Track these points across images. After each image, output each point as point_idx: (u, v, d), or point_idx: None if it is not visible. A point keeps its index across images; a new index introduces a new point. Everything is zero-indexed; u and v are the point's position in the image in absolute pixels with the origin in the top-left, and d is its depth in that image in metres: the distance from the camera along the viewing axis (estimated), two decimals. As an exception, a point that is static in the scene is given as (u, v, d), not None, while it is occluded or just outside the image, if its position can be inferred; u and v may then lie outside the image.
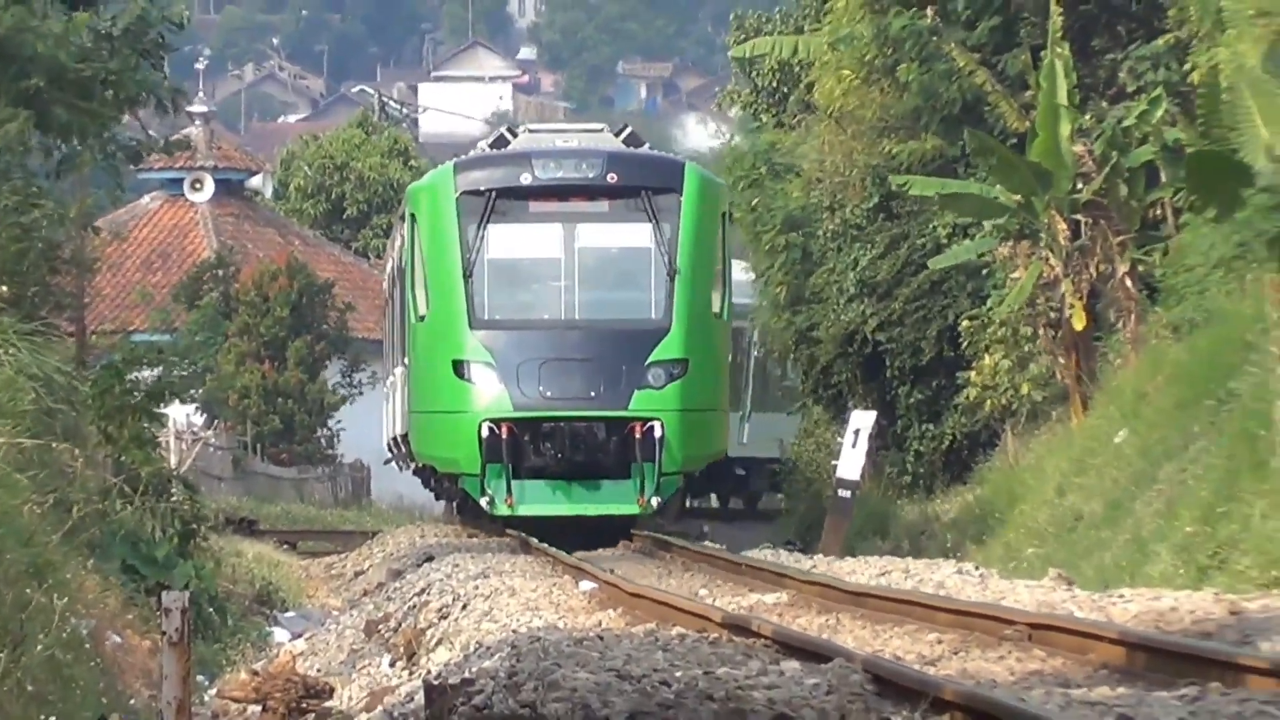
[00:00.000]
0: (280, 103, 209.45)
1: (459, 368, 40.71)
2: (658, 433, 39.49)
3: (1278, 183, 28.53)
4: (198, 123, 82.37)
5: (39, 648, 18.84)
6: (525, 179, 41.27)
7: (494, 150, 43.83)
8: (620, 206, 41.74)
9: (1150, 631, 16.12)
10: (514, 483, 39.40)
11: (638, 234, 41.65)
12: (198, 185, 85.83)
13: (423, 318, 42.35)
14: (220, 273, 76.09)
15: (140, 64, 34.46)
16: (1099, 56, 40.23)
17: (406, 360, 45.65)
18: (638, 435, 39.67)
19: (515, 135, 44.29)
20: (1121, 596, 20.13)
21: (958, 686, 12.90)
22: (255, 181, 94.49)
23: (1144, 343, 36.09)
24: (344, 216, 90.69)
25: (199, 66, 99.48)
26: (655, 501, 39.27)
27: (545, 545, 35.46)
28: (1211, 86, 32.41)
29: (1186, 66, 36.39)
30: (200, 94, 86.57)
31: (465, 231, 41.03)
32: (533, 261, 42.20)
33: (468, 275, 40.83)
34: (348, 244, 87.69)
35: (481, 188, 41.33)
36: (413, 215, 43.53)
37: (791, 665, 15.54)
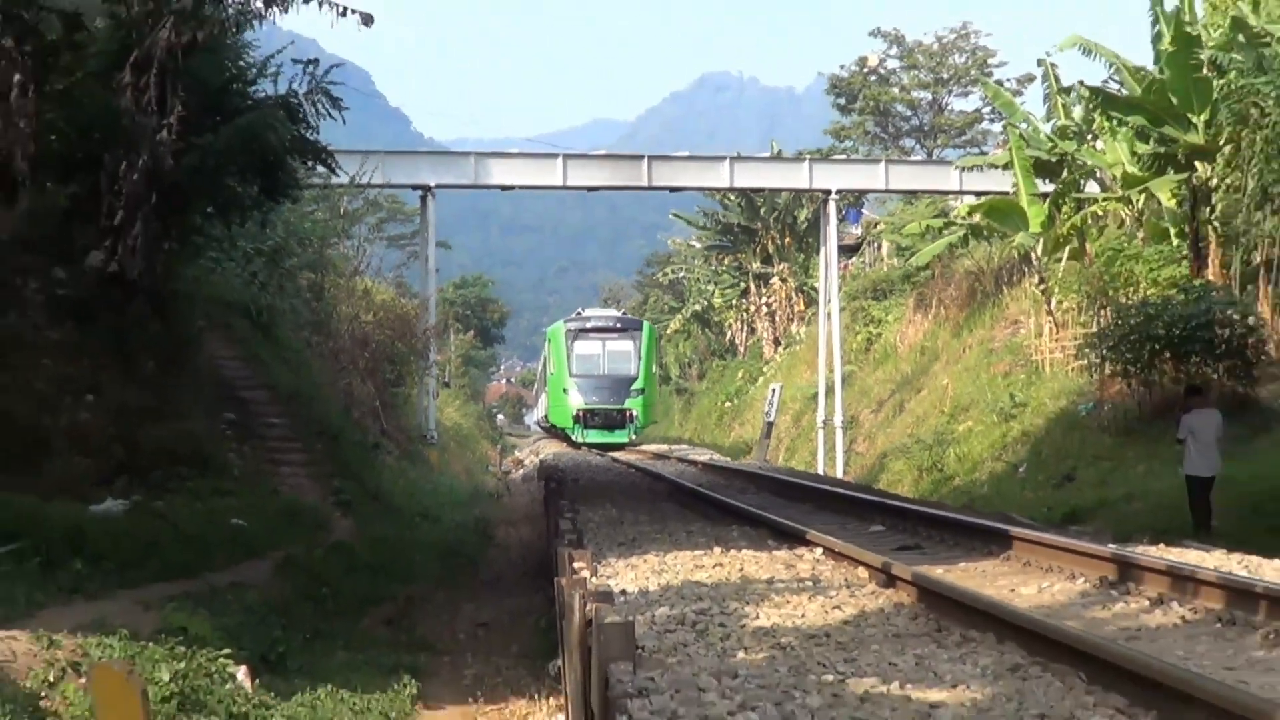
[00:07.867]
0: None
1: (566, 391, 43.40)
2: (634, 413, 42.77)
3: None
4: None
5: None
6: (589, 325, 44.36)
7: (576, 316, 45.85)
8: (624, 335, 44.27)
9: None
10: (584, 431, 42.35)
11: (627, 344, 44.02)
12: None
13: (552, 373, 45.29)
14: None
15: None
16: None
17: (547, 389, 48.72)
18: (628, 414, 42.64)
19: (584, 310, 47.75)
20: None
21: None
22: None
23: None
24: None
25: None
26: (633, 437, 42.51)
27: (592, 449, 40.47)
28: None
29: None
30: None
31: (568, 343, 43.94)
32: (591, 354, 43.86)
33: (568, 358, 43.71)
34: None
35: (573, 328, 44.20)
36: (549, 339, 46.85)
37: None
